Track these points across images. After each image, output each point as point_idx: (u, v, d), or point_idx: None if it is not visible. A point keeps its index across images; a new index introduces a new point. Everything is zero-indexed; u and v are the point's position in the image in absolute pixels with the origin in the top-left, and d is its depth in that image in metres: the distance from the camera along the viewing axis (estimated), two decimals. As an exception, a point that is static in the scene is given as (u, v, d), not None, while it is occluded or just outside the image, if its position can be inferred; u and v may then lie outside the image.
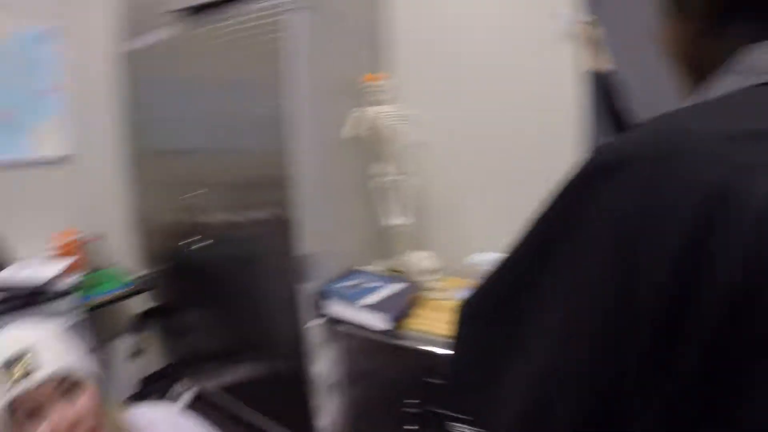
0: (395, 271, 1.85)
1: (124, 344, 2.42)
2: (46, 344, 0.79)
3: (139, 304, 2.52)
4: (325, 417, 1.88)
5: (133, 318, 2.48)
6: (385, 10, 1.93)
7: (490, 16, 1.74)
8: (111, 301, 2.17)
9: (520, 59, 1.69)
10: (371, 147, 1.77)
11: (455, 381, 0.88)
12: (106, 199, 2.43)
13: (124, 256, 2.46)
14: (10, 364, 0.74)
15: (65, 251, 2.15)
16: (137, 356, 2.48)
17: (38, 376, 0.75)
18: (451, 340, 0.80)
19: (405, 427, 1.67)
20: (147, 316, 2.52)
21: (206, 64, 1.85)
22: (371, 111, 1.70)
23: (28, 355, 0.75)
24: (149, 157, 2.25)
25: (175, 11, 1.83)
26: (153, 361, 2.61)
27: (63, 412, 0.77)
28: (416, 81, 1.90)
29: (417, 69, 1.91)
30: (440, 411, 1.57)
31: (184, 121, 1.99)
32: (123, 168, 2.42)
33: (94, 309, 2.07)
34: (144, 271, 2.46)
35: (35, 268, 1.92)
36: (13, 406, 0.75)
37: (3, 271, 1.90)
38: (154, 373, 2.59)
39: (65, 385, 0.78)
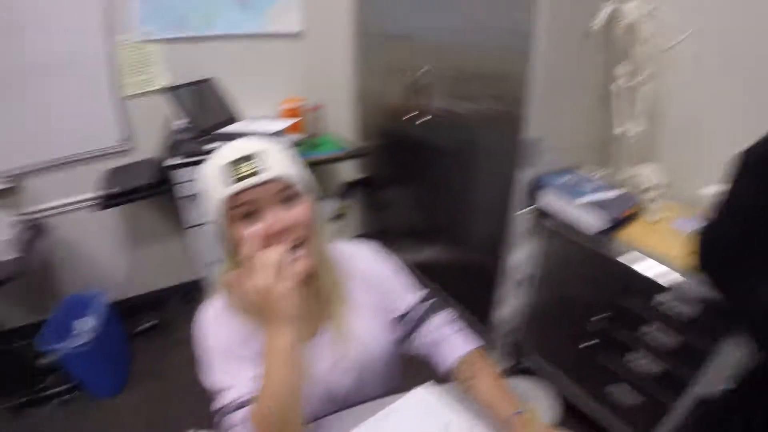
0: (618, 179, 1.70)
1: (327, 207, 2.64)
2: (274, 153, 0.80)
3: (349, 172, 2.72)
4: (506, 310, 1.88)
5: (341, 184, 2.69)
6: None
7: None
8: (325, 162, 2.34)
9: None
10: (617, 46, 1.59)
11: (720, 238, 0.78)
12: (331, 73, 2.58)
13: (342, 127, 2.63)
14: (238, 161, 0.76)
15: (289, 114, 2.36)
16: (338, 220, 2.69)
17: (264, 175, 0.76)
18: (724, 188, 0.69)
19: (581, 343, 1.63)
20: (354, 184, 2.70)
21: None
22: (625, 6, 1.51)
23: (257, 157, 0.77)
24: (376, 38, 2.31)
25: None
26: (351, 227, 2.84)
27: (279, 216, 0.78)
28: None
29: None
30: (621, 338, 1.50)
31: (414, 6, 1.97)
32: (350, 46, 2.53)
33: (308, 167, 2.27)
34: (358, 142, 2.61)
35: (262, 124, 2.14)
36: (232, 203, 0.77)
37: (235, 123, 2.15)
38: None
39: (286, 192, 0.79)
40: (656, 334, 1.39)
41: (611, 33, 1.57)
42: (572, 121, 1.70)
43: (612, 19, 1.53)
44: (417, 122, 2.05)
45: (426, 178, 2.18)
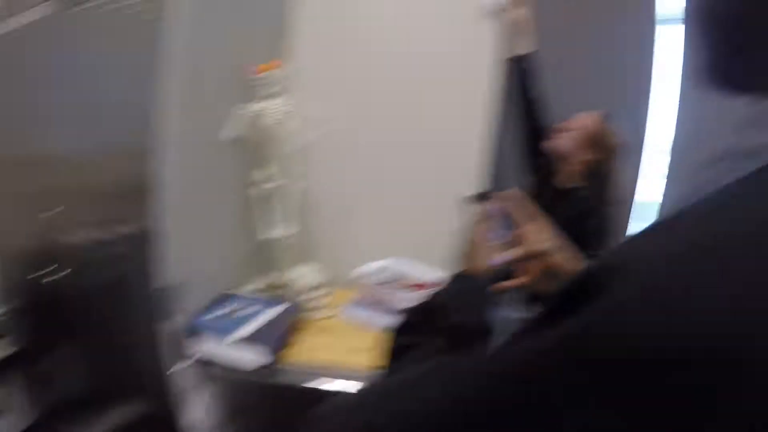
0: (276, 288, 1.65)
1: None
2: None
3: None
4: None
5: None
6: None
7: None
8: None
9: (435, 45, 1.56)
10: (254, 149, 1.57)
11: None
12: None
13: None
14: None
15: None
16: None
17: None
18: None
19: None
20: (4, 366, 2.16)
21: (72, 50, 1.53)
22: (258, 107, 1.50)
23: None
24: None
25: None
26: (19, 419, 2.25)
27: None
28: (316, 71, 1.67)
29: (318, 58, 1.68)
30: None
31: (45, 119, 1.63)
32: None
33: None
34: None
35: None
36: None
37: None
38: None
39: None
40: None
41: (250, 137, 1.52)
42: (218, 238, 1.60)
43: (243, 123, 1.49)
44: (55, 275, 1.74)
45: (82, 337, 1.86)
